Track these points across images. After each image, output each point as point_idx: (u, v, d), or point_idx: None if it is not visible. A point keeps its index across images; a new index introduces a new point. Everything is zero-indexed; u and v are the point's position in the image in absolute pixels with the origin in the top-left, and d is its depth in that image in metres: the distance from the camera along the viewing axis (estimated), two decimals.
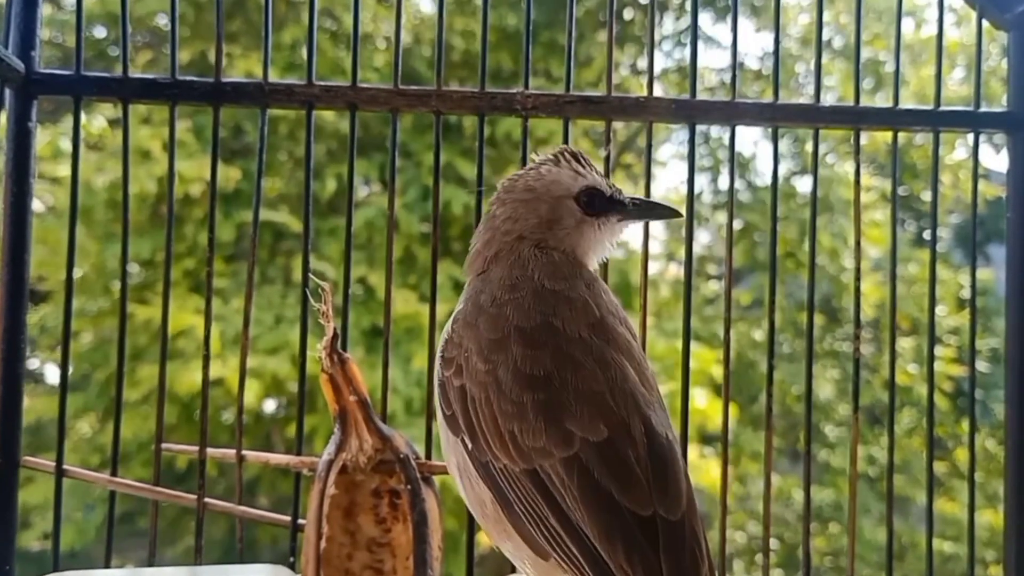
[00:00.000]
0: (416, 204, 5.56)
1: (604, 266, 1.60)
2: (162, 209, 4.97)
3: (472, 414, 1.07)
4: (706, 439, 5.96)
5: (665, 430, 1.07)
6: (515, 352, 1.07)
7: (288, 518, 1.58)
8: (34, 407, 4.88)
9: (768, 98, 1.69)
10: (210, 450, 1.58)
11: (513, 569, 1.54)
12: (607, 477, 1.01)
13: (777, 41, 1.72)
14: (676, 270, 6.81)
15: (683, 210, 1.40)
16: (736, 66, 1.69)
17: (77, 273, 4.96)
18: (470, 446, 1.07)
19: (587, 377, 1.06)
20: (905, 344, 6.20)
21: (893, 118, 1.68)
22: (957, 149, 6.41)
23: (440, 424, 1.13)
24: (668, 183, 10.67)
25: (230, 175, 5.27)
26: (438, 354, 1.14)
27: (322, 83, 1.60)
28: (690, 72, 1.68)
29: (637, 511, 1.00)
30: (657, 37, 6.94)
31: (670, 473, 1.03)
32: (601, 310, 1.14)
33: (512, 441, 1.03)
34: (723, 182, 7.08)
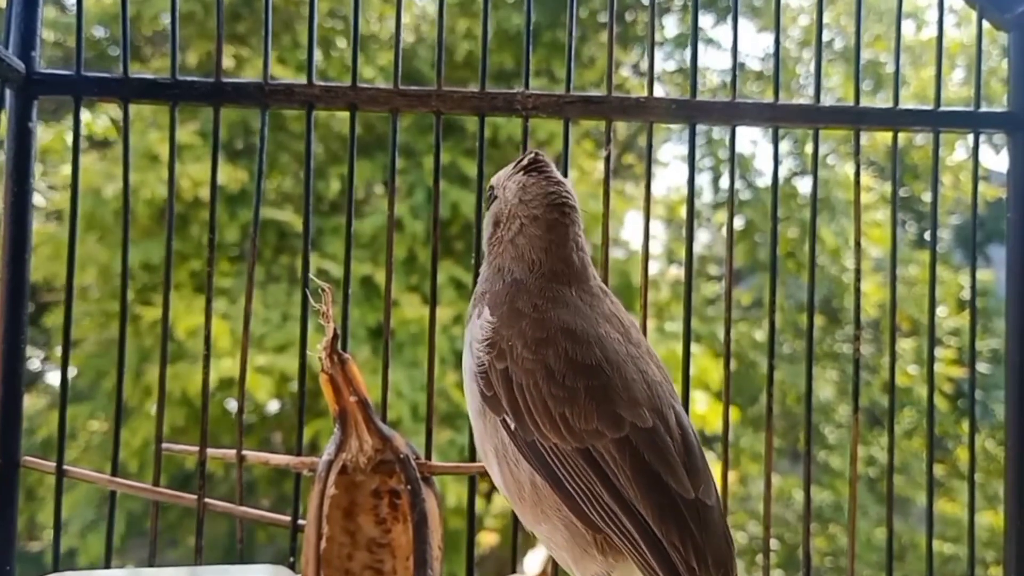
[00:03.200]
0: (422, 206, 5.57)
1: (605, 267, 1.61)
2: None
3: (518, 395, 1.09)
4: (706, 441, 5.96)
5: (689, 423, 1.13)
6: (563, 345, 1.10)
7: (288, 518, 1.58)
8: (47, 417, 4.89)
9: (768, 98, 1.69)
10: (210, 450, 1.58)
11: (514, 569, 1.55)
12: (656, 461, 1.06)
13: (778, 42, 1.72)
14: (676, 271, 6.82)
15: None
16: (736, 67, 1.69)
17: (86, 280, 4.98)
18: (513, 426, 1.09)
19: (630, 372, 1.11)
20: (905, 345, 6.20)
21: (893, 118, 1.68)
22: (957, 150, 6.41)
23: (474, 411, 1.15)
24: (669, 183, 10.69)
25: (236, 176, 5.28)
26: (475, 342, 1.15)
27: (322, 83, 1.60)
28: (691, 73, 1.69)
29: (683, 494, 1.05)
30: (658, 38, 6.95)
31: (702, 462, 1.10)
32: (625, 323, 1.18)
33: (563, 422, 1.06)
34: (723, 181, 7.09)
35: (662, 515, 1.04)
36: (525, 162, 1.24)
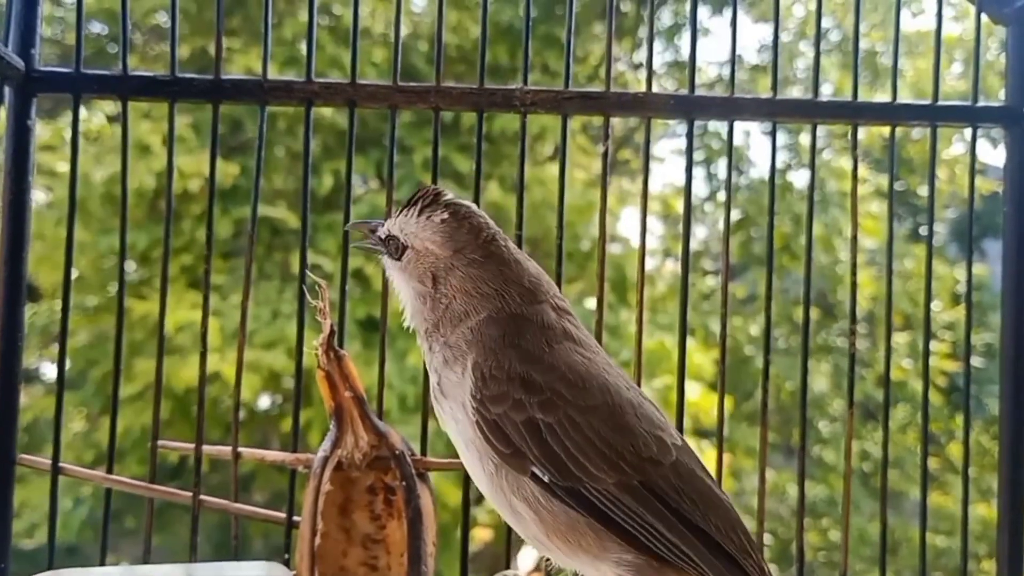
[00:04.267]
0: None
1: (601, 262, 1.61)
2: (160, 204, 4.98)
3: (553, 443, 1.03)
4: (699, 434, 5.97)
5: None
6: (593, 379, 1.07)
7: (283, 515, 1.58)
8: (28, 405, 4.86)
9: (764, 91, 1.69)
10: (206, 447, 1.58)
11: (507, 566, 1.55)
12: (704, 475, 1.07)
13: (776, 36, 1.72)
14: (673, 265, 6.82)
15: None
16: (735, 61, 1.69)
17: (73, 271, 4.97)
18: (547, 477, 1.03)
19: (637, 391, 1.11)
20: (899, 339, 6.20)
21: (891, 113, 1.68)
22: (954, 144, 6.40)
23: (486, 474, 1.08)
24: (664, 178, 10.69)
25: (228, 171, 5.26)
26: (470, 401, 1.07)
27: (321, 80, 1.60)
28: (688, 68, 1.68)
29: (726, 499, 1.07)
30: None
31: None
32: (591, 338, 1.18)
33: (621, 458, 1.03)
34: (716, 172, 7.09)
35: (735, 526, 1.04)
36: (424, 202, 1.16)
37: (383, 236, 1.19)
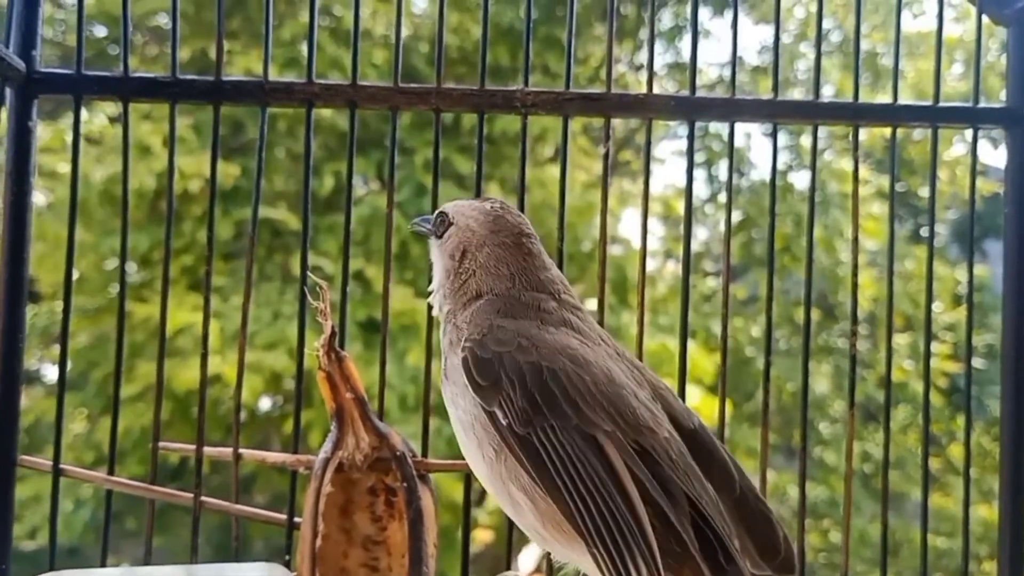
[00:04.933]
0: (411, 201, 5.56)
1: (602, 263, 1.61)
2: (161, 205, 4.97)
3: (554, 386, 1.04)
4: None
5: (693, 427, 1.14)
6: (588, 363, 1.07)
7: (284, 516, 1.57)
8: (29, 406, 4.86)
9: (765, 92, 1.69)
10: (207, 449, 1.58)
11: (508, 567, 1.55)
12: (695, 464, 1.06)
13: (777, 37, 1.72)
14: (674, 267, 6.82)
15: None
16: (735, 63, 1.68)
17: (74, 273, 4.95)
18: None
19: (639, 383, 1.11)
20: (900, 340, 6.20)
21: (892, 114, 1.68)
22: (955, 145, 6.40)
23: (485, 456, 1.09)
24: (665, 179, 10.70)
25: (229, 172, 5.27)
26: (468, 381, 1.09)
27: (322, 81, 1.60)
28: (689, 69, 1.68)
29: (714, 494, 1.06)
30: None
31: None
32: (603, 335, 1.18)
33: (619, 414, 1.03)
34: (717, 174, 7.09)
35: (713, 507, 1.03)
36: (486, 201, 1.26)
37: (434, 215, 1.29)
